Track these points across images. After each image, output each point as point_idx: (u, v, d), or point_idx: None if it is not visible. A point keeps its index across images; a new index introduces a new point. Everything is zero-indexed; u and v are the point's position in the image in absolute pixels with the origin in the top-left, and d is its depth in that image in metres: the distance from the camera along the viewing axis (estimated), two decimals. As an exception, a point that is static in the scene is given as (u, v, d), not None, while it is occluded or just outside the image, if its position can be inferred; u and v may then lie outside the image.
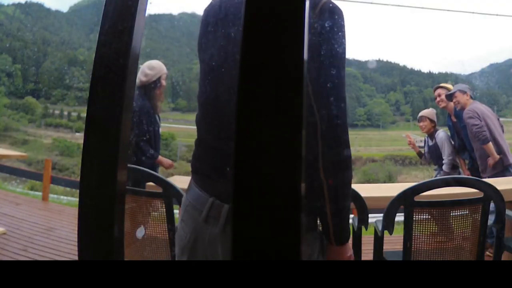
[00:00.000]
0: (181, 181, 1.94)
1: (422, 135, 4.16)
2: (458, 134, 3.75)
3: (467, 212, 1.72)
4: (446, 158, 3.77)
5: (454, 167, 3.78)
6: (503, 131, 3.44)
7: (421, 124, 3.99)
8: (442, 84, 3.84)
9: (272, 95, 0.31)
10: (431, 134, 3.93)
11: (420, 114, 4.03)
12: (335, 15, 0.86)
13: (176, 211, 1.91)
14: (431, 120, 3.92)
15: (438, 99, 3.77)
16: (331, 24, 0.85)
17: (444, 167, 3.78)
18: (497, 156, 3.25)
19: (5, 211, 4.30)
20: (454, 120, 3.73)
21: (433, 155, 3.95)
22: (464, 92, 3.44)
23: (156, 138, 2.91)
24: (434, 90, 3.85)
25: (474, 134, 3.28)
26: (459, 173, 3.79)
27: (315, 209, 0.89)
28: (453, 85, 3.78)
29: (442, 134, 3.87)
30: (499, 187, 1.65)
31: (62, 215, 4.55)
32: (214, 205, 0.87)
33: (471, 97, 3.45)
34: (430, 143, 3.97)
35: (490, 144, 3.24)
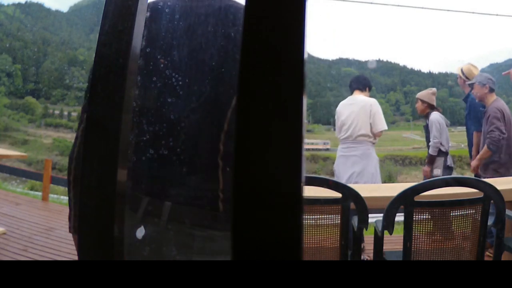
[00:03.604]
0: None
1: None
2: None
3: (467, 212, 1.72)
4: (431, 141, 3.66)
5: (440, 152, 3.67)
6: None
7: (416, 106, 4.00)
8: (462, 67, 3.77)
9: (272, 95, 0.31)
10: (426, 116, 3.85)
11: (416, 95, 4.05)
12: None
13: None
14: (423, 101, 3.86)
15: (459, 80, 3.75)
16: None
17: (429, 150, 3.69)
18: (478, 164, 3.23)
19: (5, 211, 4.30)
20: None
21: (427, 137, 3.88)
22: (483, 85, 3.32)
23: None
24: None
25: (492, 138, 3.16)
26: (445, 160, 3.70)
27: None
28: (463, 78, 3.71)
29: (433, 115, 3.76)
30: (499, 187, 1.65)
31: (62, 215, 4.54)
32: (150, 204, 0.84)
33: (491, 89, 3.32)
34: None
35: (490, 152, 3.19)
